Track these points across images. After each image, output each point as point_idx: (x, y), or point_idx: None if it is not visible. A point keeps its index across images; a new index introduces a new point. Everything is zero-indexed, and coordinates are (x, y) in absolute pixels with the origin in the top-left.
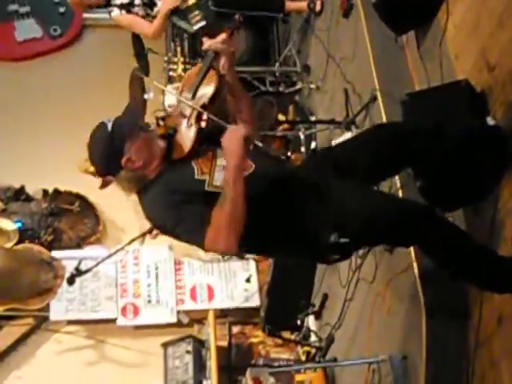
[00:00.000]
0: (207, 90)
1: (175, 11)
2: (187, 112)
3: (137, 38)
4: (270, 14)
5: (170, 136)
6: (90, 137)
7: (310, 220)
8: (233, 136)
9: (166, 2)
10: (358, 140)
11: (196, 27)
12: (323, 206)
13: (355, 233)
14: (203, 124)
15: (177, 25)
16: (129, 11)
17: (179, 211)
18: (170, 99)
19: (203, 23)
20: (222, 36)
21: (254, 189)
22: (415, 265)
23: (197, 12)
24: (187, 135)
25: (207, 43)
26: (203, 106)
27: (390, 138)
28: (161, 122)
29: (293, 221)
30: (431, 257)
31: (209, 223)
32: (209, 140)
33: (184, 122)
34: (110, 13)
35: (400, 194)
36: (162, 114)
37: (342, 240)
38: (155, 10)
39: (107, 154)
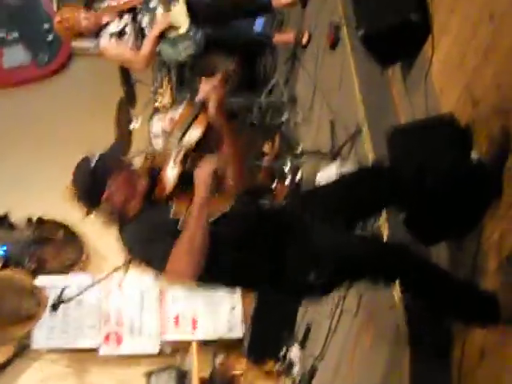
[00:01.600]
0: (194, 133)
1: (164, 38)
2: (174, 153)
3: (124, 68)
4: (257, 47)
5: (154, 175)
6: (74, 170)
7: (287, 260)
8: (203, 169)
9: (158, 23)
10: (340, 183)
11: (184, 55)
12: (299, 246)
13: (331, 273)
14: (187, 167)
15: (165, 53)
16: (120, 37)
17: (153, 248)
18: (156, 128)
19: (191, 51)
20: (216, 79)
21: (228, 228)
22: (398, 299)
23: (186, 41)
24: (170, 176)
25: (202, 90)
26: (189, 149)
27: (374, 181)
28: (149, 159)
29: (269, 260)
30: (411, 293)
31: None
32: (191, 183)
33: (169, 163)
34: (99, 42)
35: (385, 226)
36: (152, 151)
37: (319, 281)
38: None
39: (89, 188)
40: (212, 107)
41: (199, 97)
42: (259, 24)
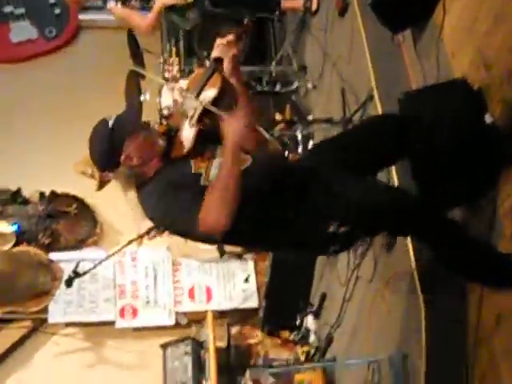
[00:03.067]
0: (210, 92)
1: (172, 7)
2: (190, 112)
3: (132, 38)
4: (265, 13)
5: (171, 135)
6: (92, 132)
7: (309, 210)
8: (239, 117)
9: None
10: (356, 132)
11: (191, 24)
12: (323, 196)
13: (354, 222)
14: (205, 125)
15: (172, 21)
16: (124, 3)
17: (174, 203)
18: (167, 100)
19: (198, 20)
20: (228, 38)
21: (253, 181)
22: (414, 264)
23: (193, 10)
24: (188, 135)
25: (215, 50)
26: (205, 108)
27: (390, 128)
28: (163, 121)
29: (292, 212)
30: (428, 247)
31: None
32: (209, 141)
33: (186, 122)
34: (106, 3)
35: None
36: (166, 112)
37: (342, 230)
38: (151, 3)
39: (107, 150)
40: (227, 64)
41: (213, 54)
42: None
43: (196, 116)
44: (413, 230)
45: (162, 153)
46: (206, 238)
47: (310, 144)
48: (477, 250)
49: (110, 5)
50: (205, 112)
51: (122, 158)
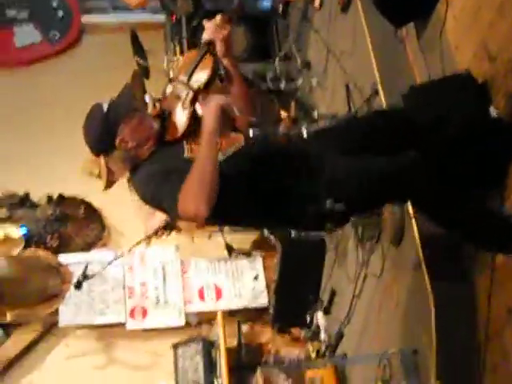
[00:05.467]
0: (202, 74)
1: None
2: (183, 95)
3: (135, 38)
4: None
5: (164, 118)
6: (86, 117)
7: (304, 187)
8: (211, 101)
9: None
10: (357, 123)
11: (181, 12)
12: (317, 172)
13: (350, 196)
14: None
15: (165, 4)
16: None
17: (163, 185)
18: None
19: (190, 8)
20: (218, 18)
21: (246, 159)
22: (422, 258)
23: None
24: (181, 117)
25: (206, 32)
26: (198, 90)
27: (392, 121)
28: (156, 104)
29: (287, 190)
30: (428, 215)
31: None
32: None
33: (179, 105)
34: None
35: None
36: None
37: (337, 206)
38: None
39: (101, 133)
40: (219, 46)
41: (204, 37)
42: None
43: (188, 99)
44: (410, 194)
45: (157, 135)
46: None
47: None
48: (482, 213)
49: None
50: (197, 95)
51: (117, 141)
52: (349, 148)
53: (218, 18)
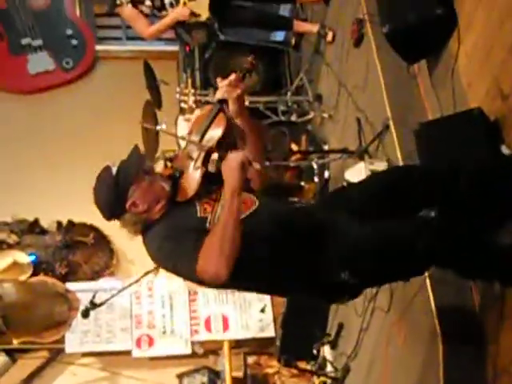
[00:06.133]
0: (215, 134)
1: (182, 22)
2: (194, 154)
3: (148, 68)
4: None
5: (176, 178)
6: (96, 180)
7: (319, 259)
8: (231, 160)
9: (176, 12)
10: (372, 182)
11: (196, 43)
12: (333, 245)
13: (366, 271)
14: (210, 167)
15: (179, 34)
16: (135, 6)
17: (177, 247)
18: (183, 129)
19: (204, 40)
20: (231, 78)
21: (259, 226)
22: (431, 294)
23: (201, 29)
24: (193, 177)
25: (219, 91)
26: (210, 150)
27: (405, 181)
28: (168, 164)
29: (301, 260)
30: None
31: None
32: (215, 183)
33: (191, 165)
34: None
35: None
36: (170, 155)
37: (352, 280)
38: (163, 13)
39: (112, 198)
40: (232, 105)
41: (217, 96)
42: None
43: (200, 158)
44: (429, 264)
45: (168, 197)
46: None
47: (326, 174)
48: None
49: (120, 3)
50: (209, 154)
51: (128, 204)
52: (365, 211)
53: (232, 77)
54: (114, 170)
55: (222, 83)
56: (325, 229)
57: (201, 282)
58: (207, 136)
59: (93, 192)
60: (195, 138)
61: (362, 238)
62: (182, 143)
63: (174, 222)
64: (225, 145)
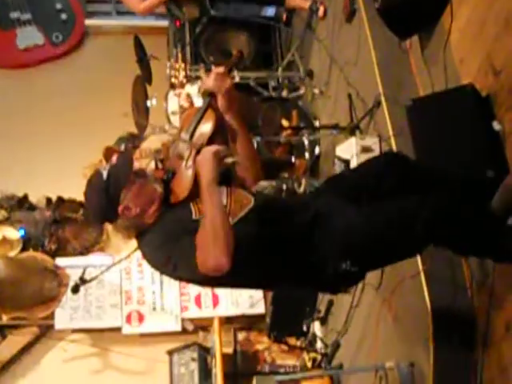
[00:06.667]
0: (205, 129)
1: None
2: (185, 153)
3: (139, 43)
4: (269, 14)
5: (168, 180)
6: (86, 185)
7: (319, 250)
8: (205, 151)
9: None
10: (369, 166)
11: (186, 18)
12: (332, 233)
13: (367, 256)
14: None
15: (170, 9)
16: None
17: (174, 250)
18: (173, 106)
19: (196, 15)
20: (216, 71)
21: (257, 222)
22: (422, 271)
23: (192, 4)
24: (185, 177)
25: (204, 84)
26: (201, 147)
27: (399, 169)
28: (159, 165)
29: (300, 252)
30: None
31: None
32: None
33: (182, 164)
34: None
35: None
36: (160, 156)
37: (353, 269)
38: None
39: (104, 202)
40: (221, 100)
41: (204, 87)
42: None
43: (191, 158)
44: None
45: (161, 199)
46: (210, 282)
47: (317, 150)
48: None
49: None
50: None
51: (120, 209)
52: (358, 196)
53: (219, 69)
54: (105, 174)
55: (208, 78)
56: (323, 218)
57: (205, 281)
58: (197, 132)
59: (84, 197)
60: (185, 136)
61: (362, 222)
62: (172, 118)
63: (169, 227)
64: (216, 142)
